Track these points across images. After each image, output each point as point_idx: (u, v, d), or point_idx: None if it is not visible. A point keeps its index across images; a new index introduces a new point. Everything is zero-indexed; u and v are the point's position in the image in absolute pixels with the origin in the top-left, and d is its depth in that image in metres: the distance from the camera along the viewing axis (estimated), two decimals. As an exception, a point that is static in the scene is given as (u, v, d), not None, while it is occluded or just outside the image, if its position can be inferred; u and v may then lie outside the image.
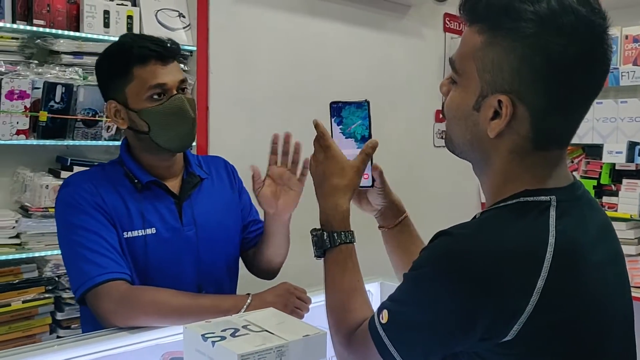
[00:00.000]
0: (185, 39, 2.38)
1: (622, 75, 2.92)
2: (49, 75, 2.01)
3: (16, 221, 2.00)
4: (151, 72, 1.29)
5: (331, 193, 0.98)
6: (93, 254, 1.25)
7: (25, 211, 2.05)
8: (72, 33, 2.10)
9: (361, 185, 1.04)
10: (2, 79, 1.91)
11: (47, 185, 2.02)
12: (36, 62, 2.03)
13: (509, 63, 0.76)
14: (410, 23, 3.23)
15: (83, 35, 2.11)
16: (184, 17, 2.41)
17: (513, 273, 0.73)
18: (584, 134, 2.96)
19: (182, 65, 2.21)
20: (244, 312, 1.23)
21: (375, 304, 0.87)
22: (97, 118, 2.11)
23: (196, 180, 1.42)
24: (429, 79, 3.24)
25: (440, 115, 3.34)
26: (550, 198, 0.78)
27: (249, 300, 1.27)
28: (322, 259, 0.98)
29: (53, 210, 1.99)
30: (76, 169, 2.06)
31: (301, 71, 2.77)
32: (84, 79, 2.08)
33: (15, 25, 1.99)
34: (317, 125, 1.00)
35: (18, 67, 1.97)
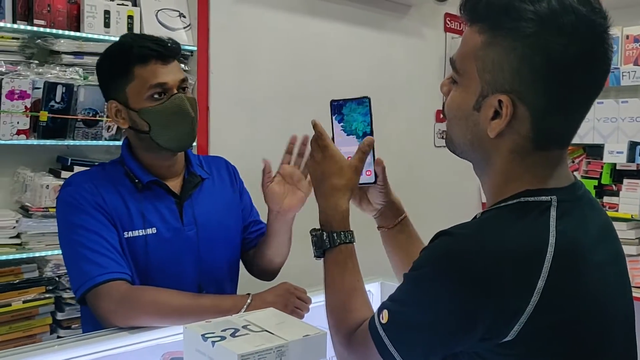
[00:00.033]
0: (185, 39, 2.38)
1: (623, 75, 2.92)
2: (49, 75, 2.01)
3: (17, 221, 2.00)
4: (152, 72, 1.29)
5: (330, 193, 0.97)
6: (93, 253, 1.25)
7: (25, 211, 2.05)
8: (72, 33, 2.10)
9: (363, 182, 1.03)
10: (2, 79, 1.91)
11: (48, 185, 2.02)
12: (37, 62, 2.04)
13: (509, 63, 0.76)
14: (411, 23, 3.23)
15: (83, 35, 2.11)
16: (184, 17, 2.41)
17: (513, 273, 0.73)
18: (584, 134, 2.96)
19: (182, 65, 2.20)
20: (244, 312, 1.23)
21: (375, 304, 0.87)
22: (97, 118, 2.11)
23: (197, 180, 1.42)
24: (430, 79, 3.24)
25: (441, 115, 3.34)
26: (550, 198, 0.78)
27: (249, 300, 1.27)
28: (322, 259, 0.98)
29: (53, 210, 1.99)
30: (77, 169, 2.06)
31: (302, 71, 2.77)
32: (84, 79, 2.08)
33: (15, 25, 1.99)
34: (315, 125, 1.00)
35: (18, 67, 1.98)
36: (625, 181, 2.78)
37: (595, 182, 2.88)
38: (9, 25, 1.97)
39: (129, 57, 1.29)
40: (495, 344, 0.74)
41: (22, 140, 1.98)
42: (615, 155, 2.81)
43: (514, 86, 0.76)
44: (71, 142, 2.10)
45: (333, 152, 0.99)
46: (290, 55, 2.74)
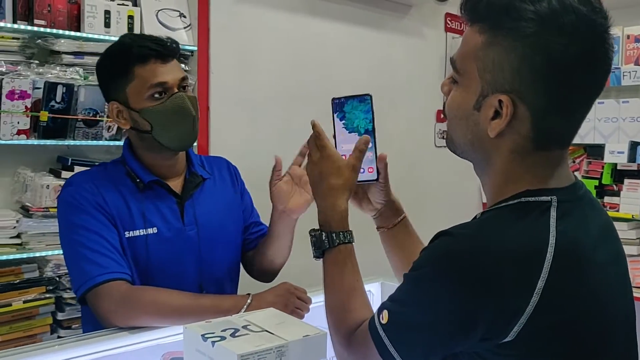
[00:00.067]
0: (186, 39, 2.38)
1: (623, 75, 2.92)
2: (49, 75, 2.02)
3: (17, 221, 2.00)
4: (151, 71, 1.29)
5: (329, 193, 0.97)
6: (94, 253, 1.25)
7: (26, 211, 2.05)
8: (72, 33, 2.10)
9: (365, 179, 1.03)
10: (3, 79, 1.91)
11: (48, 185, 2.02)
12: (37, 62, 2.04)
13: (510, 63, 0.76)
14: (411, 23, 3.23)
15: (84, 35, 2.11)
16: (184, 17, 2.41)
17: (513, 273, 0.73)
18: (585, 134, 2.96)
19: (182, 65, 2.20)
20: (244, 312, 1.23)
21: (376, 304, 0.87)
22: (97, 118, 2.11)
23: (198, 180, 1.42)
24: (430, 79, 3.24)
25: (442, 115, 3.34)
26: (551, 198, 0.78)
27: (249, 300, 1.27)
28: (321, 259, 0.98)
29: (54, 210, 2.01)
30: (77, 169, 2.06)
31: (302, 71, 2.77)
32: (84, 79, 2.08)
33: (16, 25, 1.99)
34: (314, 125, 1.00)
35: (19, 67, 1.98)
36: (626, 181, 2.78)
37: (596, 182, 2.88)
38: (9, 25, 1.97)
39: (129, 57, 1.29)
40: (496, 344, 0.74)
41: (23, 140, 1.98)
42: (616, 155, 2.81)
43: (514, 86, 0.76)
44: (71, 142, 2.10)
45: (330, 152, 0.99)
46: (291, 55, 2.74)
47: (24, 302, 1.99)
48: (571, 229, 0.76)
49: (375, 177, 1.04)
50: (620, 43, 2.94)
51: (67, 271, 2.00)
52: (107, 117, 2.10)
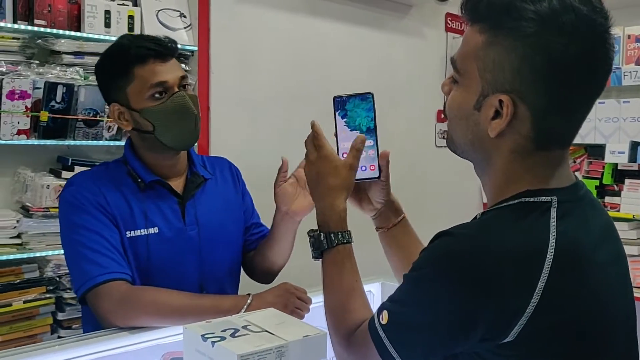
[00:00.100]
0: (186, 39, 2.38)
1: (624, 75, 2.92)
2: (50, 75, 2.02)
3: (17, 221, 2.00)
4: (151, 71, 1.29)
5: (327, 193, 0.97)
6: (94, 253, 1.25)
7: (26, 211, 2.05)
8: (73, 33, 2.10)
9: (367, 177, 1.03)
10: (3, 79, 1.92)
11: (48, 185, 2.02)
12: (37, 62, 2.04)
13: (510, 62, 0.75)
14: (412, 23, 3.23)
15: (84, 35, 2.12)
16: (185, 17, 2.41)
17: (514, 274, 0.73)
18: (586, 134, 2.95)
19: (183, 65, 2.20)
20: (244, 312, 1.23)
21: (376, 304, 0.86)
22: (98, 118, 2.11)
23: (200, 180, 1.42)
24: (431, 79, 3.24)
25: (442, 115, 3.34)
26: (551, 199, 0.78)
27: (249, 301, 1.27)
28: (320, 260, 0.98)
29: (54, 210, 2.01)
30: (77, 169, 2.06)
31: (302, 71, 2.77)
32: (85, 79, 2.08)
33: (16, 26, 1.99)
34: (313, 125, 1.00)
35: (19, 67, 1.98)
36: (627, 181, 2.78)
37: (597, 182, 2.88)
38: (9, 25, 1.98)
39: (128, 58, 1.29)
40: (496, 344, 0.74)
41: (23, 140, 1.98)
42: (617, 155, 2.81)
43: (514, 86, 0.76)
44: (72, 142, 2.10)
45: (327, 152, 0.98)
46: (291, 55, 2.74)
47: (24, 302, 1.99)
48: (571, 229, 0.76)
49: (377, 175, 1.04)
50: (621, 43, 2.93)
51: (67, 271, 2.01)
52: (107, 117, 2.10)
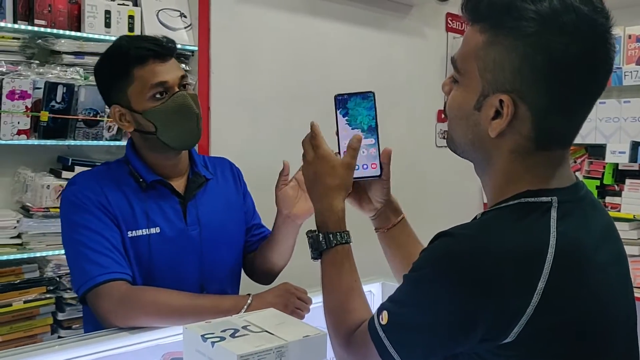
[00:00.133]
0: (186, 39, 2.38)
1: (625, 75, 2.91)
2: (50, 75, 2.02)
3: (17, 221, 2.00)
4: (151, 72, 1.29)
5: (325, 194, 0.97)
6: (95, 253, 1.25)
7: (26, 211, 2.05)
8: (73, 33, 2.10)
9: (368, 175, 1.03)
10: (3, 79, 1.92)
11: (49, 186, 2.02)
12: (37, 62, 2.04)
13: (511, 62, 0.75)
14: (412, 23, 3.23)
15: (84, 35, 2.11)
16: (185, 17, 2.41)
17: (514, 274, 0.72)
18: (586, 134, 2.95)
19: (183, 65, 2.20)
20: (244, 312, 1.22)
21: (376, 305, 0.86)
22: (98, 118, 2.11)
23: (201, 180, 1.42)
24: (431, 79, 3.23)
25: (443, 115, 3.33)
26: (551, 199, 0.77)
27: (249, 301, 1.27)
28: (319, 260, 0.97)
29: (54, 210, 2.01)
30: (77, 169, 2.06)
31: (303, 71, 2.77)
32: (85, 79, 2.08)
33: (16, 26, 1.99)
34: (312, 126, 1.00)
35: (19, 67, 1.98)
36: (628, 181, 2.78)
37: (598, 182, 2.88)
38: (9, 25, 1.98)
39: (127, 59, 1.29)
40: (496, 345, 0.74)
41: (23, 141, 1.98)
42: (618, 155, 2.80)
43: (515, 86, 0.76)
44: (72, 142, 2.10)
45: (324, 152, 0.98)
46: (292, 55, 2.73)
47: (25, 302, 1.99)
48: (572, 229, 0.76)
49: (378, 173, 1.04)
50: (621, 43, 2.93)
51: (67, 271, 2.01)
52: (108, 117, 2.10)
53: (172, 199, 1.37)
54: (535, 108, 0.76)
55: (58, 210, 1.85)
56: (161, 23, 2.32)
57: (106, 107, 1.92)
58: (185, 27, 2.39)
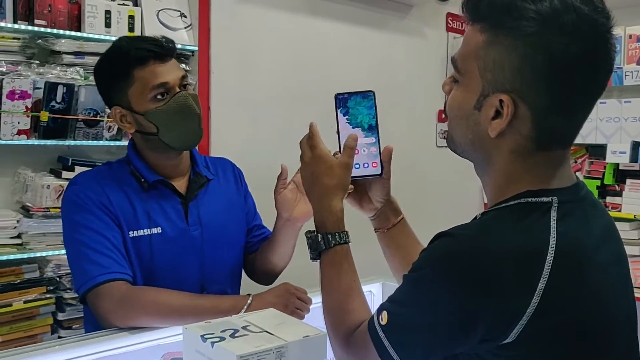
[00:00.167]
0: (186, 39, 2.38)
1: (625, 75, 2.91)
2: (50, 75, 2.02)
3: (17, 221, 2.00)
4: (151, 72, 1.29)
5: (323, 194, 0.97)
6: (95, 253, 1.25)
7: (26, 211, 2.05)
8: (73, 33, 2.10)
9: (369, 174, 1.03)
10: (3, 79, 1.92)
11: (49, 186, 2.02)
12: (37, 62, 2.04)
13: (511, 62, 0.75)
14: (413, 23, 3.23)
15: (84, 35, 2.11)
16: (185, 17, 2.41)
17: (514, 274, 0.72)
18: (587, 134, 2.95)
19: (183, 66, 2.20)
20: (244, 312, 1.22)
21: (377, 305, 0.86)
22: (98, 118, 2.11)
23: (203, 181, 1.42)
24: (432, 79, 3.23)
25: (443, 115, 3.33)
26: (551, 199, 0.77)
27: (249, 301, 1.27)
28: (318, 261, 0.97)
29: (54, 210, 2.01)
30: (77, 169, 2.06)
31: (303, 71, 2.77)
32: (85, 79, 2.08)
33: (16, 26, 1.99)
34: (311, 126, 1.00)
35: (19, 67, 1.98)
36: (628, 181, 2.78)
37: (598, 182, 2.88)
38: (9, 25, 1.97)
39: (127, 61, 1.29)
40: (496, 345, 0.74)
41: (23, 141, 1.98)
42: (618, 155, 2.80)
43: (515, 85, 0.76)
44: (72, 142, 2.10)
45: (322, 152, 0.98)
46: (292, 55, 2.73)
47: (25, 302, 1.99)
48: (572, 229, 0.76)
49: (379, 172, 1.04)
50: (622, 43, 2.93)
51: (67, 271, 2.01)
52: (108, 117, 2.10)
53: (173, 199, 1.37)
54: (535, 108, 0.76)
55: (58, 210, 1.85)
56: (161, 23, 2.32)
57: (106, 107, 1.92)
58: (185, 27, 2.39)
